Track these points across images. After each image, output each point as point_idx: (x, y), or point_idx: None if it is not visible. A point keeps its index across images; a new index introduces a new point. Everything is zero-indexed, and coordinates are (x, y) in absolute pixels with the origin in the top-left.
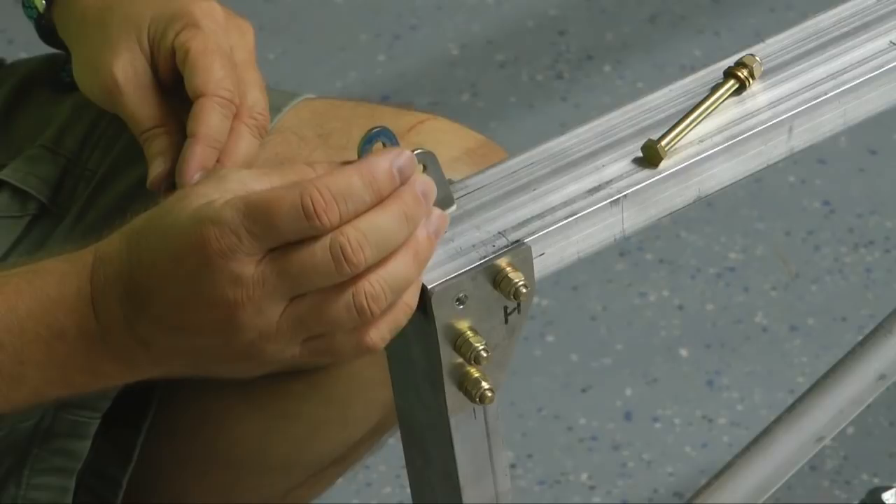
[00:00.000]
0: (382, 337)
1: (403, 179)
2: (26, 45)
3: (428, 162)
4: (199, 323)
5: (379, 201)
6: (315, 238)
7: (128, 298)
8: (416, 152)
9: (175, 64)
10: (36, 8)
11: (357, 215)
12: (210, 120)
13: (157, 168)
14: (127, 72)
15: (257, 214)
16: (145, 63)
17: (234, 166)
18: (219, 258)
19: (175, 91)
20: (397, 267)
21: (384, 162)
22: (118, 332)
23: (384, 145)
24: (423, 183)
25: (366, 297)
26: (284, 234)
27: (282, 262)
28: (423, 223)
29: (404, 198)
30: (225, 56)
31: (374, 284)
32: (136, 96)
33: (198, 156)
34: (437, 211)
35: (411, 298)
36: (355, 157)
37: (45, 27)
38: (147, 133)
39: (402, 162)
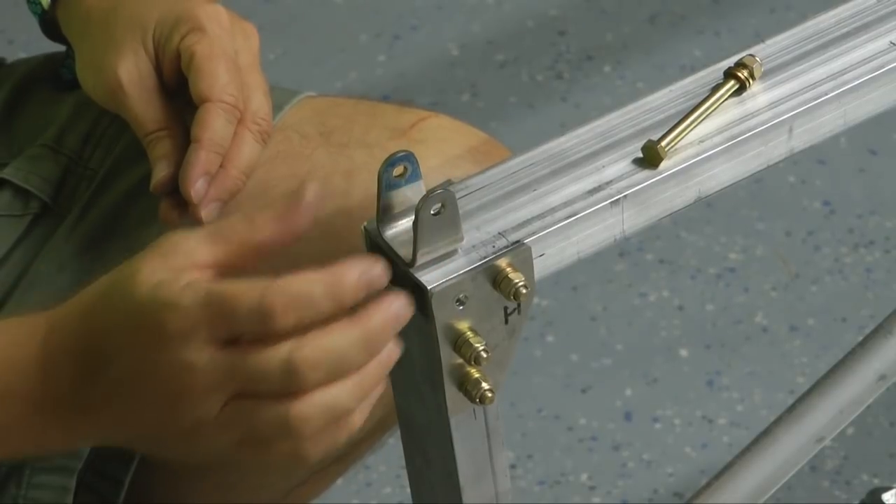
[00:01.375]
0: (317, 453)
1: (372, 290)
2: (26, 45)
3: (447, 202)
4: (148, 397)
5: (341, 311)
6: (271, 341)
7: (83, 362)
8: (436, 193)
9: (180, 67)
10: (40, 4)
11: (315, 324)
12: (214, 125)
13: (160, 172)
14: (131, 73)
15: (216, 306)
16: (149, 65)
17: (237, 172)
18: (174, 341)
19: (179, 94)
20: (340, 395)
21: (352, 272)
22: (65, 400)
23: (406, 169)
24: (398, 306)
25: (299, 420)
26: (241, 329)
27: (234, 358)
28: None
29: (372, 323)
30: (230, 61)
31: (310, 408)
32: (140, 98)
33: (202, 161)
34: (389, 345)
35: (353, 423)
36: (357, 154)
37: (49, 23)
38: (151, 136)
39: (373, 274)
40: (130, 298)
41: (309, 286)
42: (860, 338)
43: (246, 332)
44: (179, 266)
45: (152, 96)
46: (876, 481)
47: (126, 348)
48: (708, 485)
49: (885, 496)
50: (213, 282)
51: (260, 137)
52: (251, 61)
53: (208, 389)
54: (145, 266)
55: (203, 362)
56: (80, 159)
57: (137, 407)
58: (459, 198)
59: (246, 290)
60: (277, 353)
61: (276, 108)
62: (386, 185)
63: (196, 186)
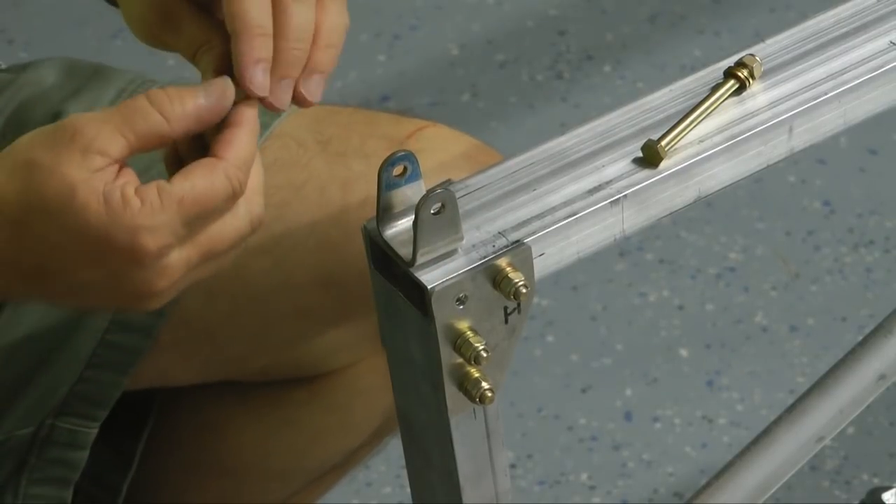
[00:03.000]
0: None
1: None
2: (27, 46)
3: (447, 202)
4: (105, 298)
5: None
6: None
7: (19, 274)
8: (436, 192)
9: None
10: None
11: None
12: (244, 10)
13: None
14: (162, 4)
15: (196, 213)
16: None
17: (292, 43)
18: (152, 258)
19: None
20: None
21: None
22: None
23: (406, 169)
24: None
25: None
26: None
27: (202, 241)
28: None
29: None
30: None
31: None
32: (173, 26)
33: (248, 50)
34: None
35: None
36: (355, 164)
37: None
38: (196, 54)
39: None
40: (81, 222)
41: (249, 147)
42: (860, 338)
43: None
44: (97, 166)
45: (187, 17)
46: (876, 481)
47: (84, 268)
48: (708, 485)
49: (885, 496)
50: (165, 188)
51: (307, 4)
52: None
53: (178, 274)
54: (73, 174)
55: (176, 258)
56: None
57: (98, 304)
58: (459, 197)
59: (214, 182)
60: (235, 213)
61: (273, 115)
62: (386, 184)
63: (255, 80)
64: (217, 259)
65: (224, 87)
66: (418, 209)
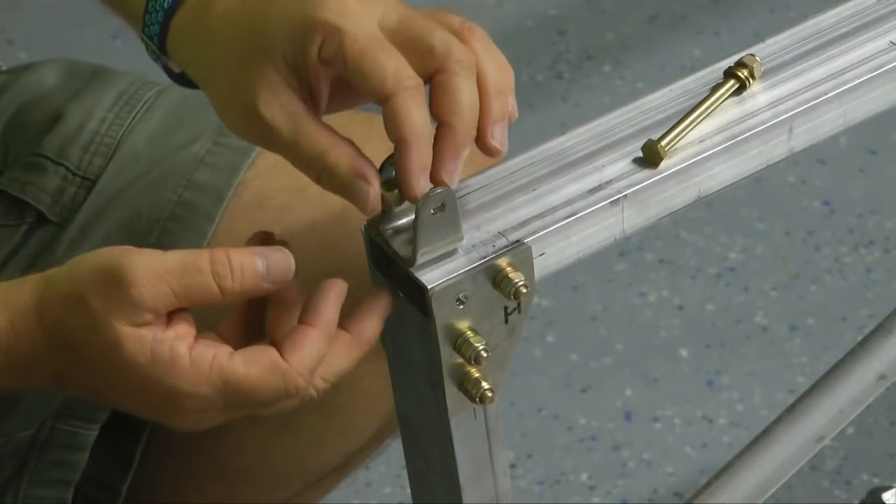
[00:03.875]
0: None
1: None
2: (27, 46)
3: (447, 201)
4: (146, 415)
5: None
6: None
7: (67, 381)
8: (436, 192)
9: (325, 78)
10: (157, 58)
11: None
12: (411, 117)
13: (363, 190)
14: (272, 108)
15: (239, 399)
16: (289, 91)
17: (462, 124)
18: (188, 413)
19: (335, 101)
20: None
21: (369, 331)
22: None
23: None
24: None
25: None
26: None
27: (240, 406)
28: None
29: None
30: (384, 44)
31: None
32: (291, 129)
33: (415, 159)
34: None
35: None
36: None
37: (170, 70)
38: (320, 164)
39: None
40: (127, 369)
41: (318, 349)
42: (860, 338)
43: None
44: (149, 321)
45: (303, 121)
46: (876, 481)
47: (128, 397)
48: (708, 485)
49: (885, 496)
50: (219, 361)
51: (468, 73)
52: (402, 13)
53: (215, 421)
54: (121, 326)
55: (212, 415)
56: (77, 168)
57: (123, 407)
58: (459, 197)
59: (268, 378)
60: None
61: None
62: (386, 184)
63: (420, 186)
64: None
65: (287, 268)
66: (418, 209)
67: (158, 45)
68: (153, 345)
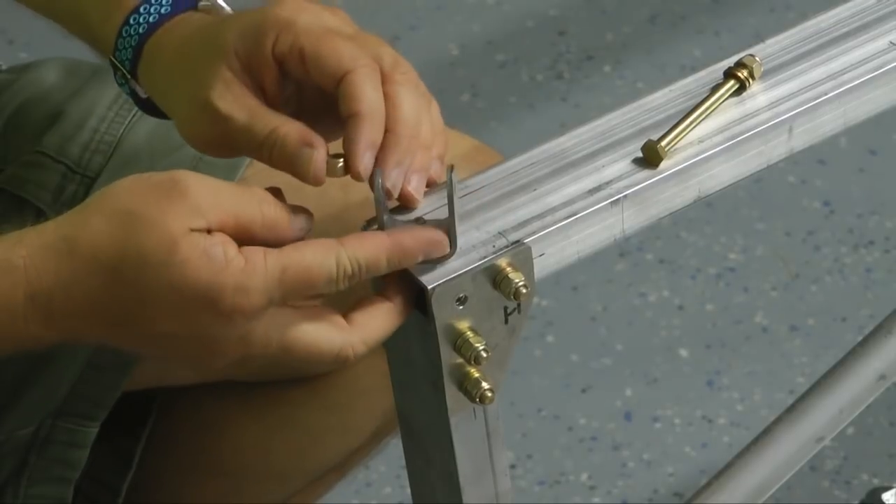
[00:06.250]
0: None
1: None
2: (27, 46)
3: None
4: (186, 353)
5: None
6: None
7: (100, 317)
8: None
9: (280, 75)
10: (125, 82)
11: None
12: (365, 93)
13: (307, 154)
14: (225, 99)
15: (297, 284)
16: (242, 86)
17: (406, 131)
18: (244, 318)
19: (289, 103)
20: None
21: (416, 247)
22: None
23: None
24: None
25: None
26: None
27: (285, 344)
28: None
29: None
30: (340, 34)
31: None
32: (243, 116)
33: (366, 133)
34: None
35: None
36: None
37: (140, 100)
38: (268, 139)
39: (432, 248)
40: (179, 275)
41: (378, 255)
42: (860, 338)
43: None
44: (201, 227)
45: (255, 108)
46: (876, 481)
47: (169, 319)
48: (708, 485)
49: (885, 496)
50: (272, 254)
51: (413, 87)
52: (354, 29)
53: (253, 349)
54: (176, 229)
55: (259, 336)
56: (77, 166)
57: (169, 355)
58: (460, 197)
59: (322, 260)
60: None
61: None
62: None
63: (364, 162)
64: (286, 360)
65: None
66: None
67: (130, 68)
68: (207, 247)
